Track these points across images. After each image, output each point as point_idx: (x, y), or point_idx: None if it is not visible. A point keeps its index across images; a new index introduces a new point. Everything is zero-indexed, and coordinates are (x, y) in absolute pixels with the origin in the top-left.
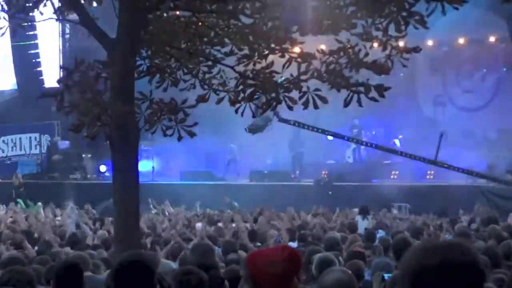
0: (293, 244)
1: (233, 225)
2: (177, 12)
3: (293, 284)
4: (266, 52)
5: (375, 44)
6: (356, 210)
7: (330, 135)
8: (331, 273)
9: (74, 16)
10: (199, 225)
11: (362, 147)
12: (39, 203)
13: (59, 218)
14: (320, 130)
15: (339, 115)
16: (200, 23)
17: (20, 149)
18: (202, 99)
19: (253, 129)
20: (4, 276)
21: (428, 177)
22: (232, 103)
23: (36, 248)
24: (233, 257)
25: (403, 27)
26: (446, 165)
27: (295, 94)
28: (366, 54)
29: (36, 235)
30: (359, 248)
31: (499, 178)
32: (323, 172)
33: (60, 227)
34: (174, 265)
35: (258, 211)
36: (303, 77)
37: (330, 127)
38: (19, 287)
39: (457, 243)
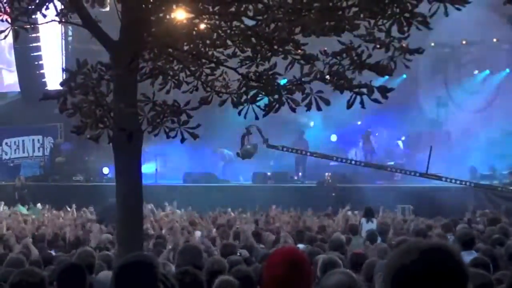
0: (301, 246)
1: (237, 227)
2: (180, 14)
3: None
4: (269, 54)
5: (378, 46)
6: (346, 209)
7: (318, 157)
8: (332, 275)
9: (76, 18)
10: (198, 233)
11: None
12: (38, 205)
13: (61, 220)
14: (308, 153)
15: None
16: (202, 25)
17: (23, 152)
18: (204, 101)
19: (244, 155)
20: (15, 278)
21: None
22: (235, 105)
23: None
24: (234, 258)
25: (405, 28)
26: (437, 177)
27: (298, 96)
28: (369, 56)
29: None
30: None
31: (493, 186)
32: (326, 174)
33: (63, 229)
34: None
35: (265, 213)
36: (305, 79)
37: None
38: None
39: (439, 243)
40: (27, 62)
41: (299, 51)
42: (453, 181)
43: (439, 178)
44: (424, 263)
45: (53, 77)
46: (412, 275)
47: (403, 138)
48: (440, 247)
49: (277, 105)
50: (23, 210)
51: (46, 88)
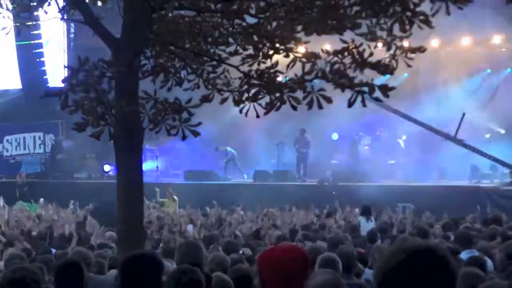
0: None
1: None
2: (182, 12)
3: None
4: (271, 52)
5: (380, 44)
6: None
7: (399, 115)
8: (317, 275)
9: (79, 15)
10: (190, 227)
11: (367, 147)
12: (41, 200)
13: (62, 216)
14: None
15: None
16: (204, 23)
17: (24, 149)
18: (206, 99)
19: None
20: (10, 275)
21: (432, 177)
22: (236, 103)
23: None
24: (235, 257)
25: (407, 27)
26: (462, 144)
27: (299, 94)
28: (371, 54)
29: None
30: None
31: None
32: (327, 172)
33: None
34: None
35: (264, 212)
36: (307, 77)
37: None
38: (25, 285)
39: (427, 244)
40: (29, 59)
41: (301, 49)
42: (475, 150)
43: (464, 145)
44: (411, 264)
45: (55, 74)
46: (399, 276)
47: (404, 137)
48: (428, 248)
49: (278, 103)
50: (26, 206)
51: (47, 85)
